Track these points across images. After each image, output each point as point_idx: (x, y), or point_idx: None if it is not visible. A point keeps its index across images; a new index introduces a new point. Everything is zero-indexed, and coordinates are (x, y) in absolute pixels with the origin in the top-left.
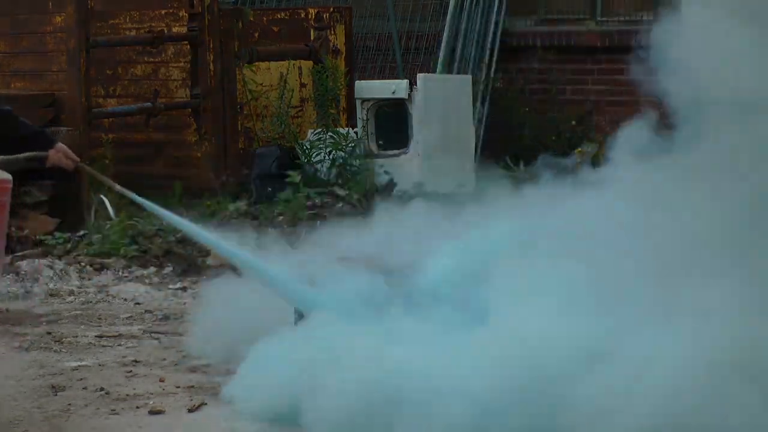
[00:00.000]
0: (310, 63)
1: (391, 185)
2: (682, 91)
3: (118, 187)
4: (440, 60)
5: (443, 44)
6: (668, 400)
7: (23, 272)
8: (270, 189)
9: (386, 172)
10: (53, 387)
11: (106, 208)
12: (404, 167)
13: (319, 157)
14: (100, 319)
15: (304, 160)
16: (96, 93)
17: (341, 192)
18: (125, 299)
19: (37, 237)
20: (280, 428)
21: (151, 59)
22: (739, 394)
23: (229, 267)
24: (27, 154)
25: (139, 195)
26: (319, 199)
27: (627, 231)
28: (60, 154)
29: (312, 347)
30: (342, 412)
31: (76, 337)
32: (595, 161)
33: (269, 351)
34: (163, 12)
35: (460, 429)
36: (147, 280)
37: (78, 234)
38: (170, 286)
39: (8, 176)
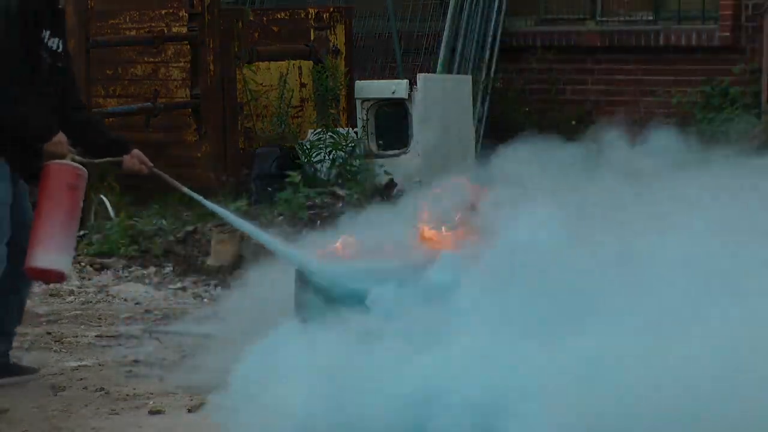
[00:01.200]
0: (310, 63)
1: (391, 185)
2: None
3: (186, 190)
4: (440, 60)
5: (443, 44)
6: None
7: None
8: (270, 189)
9: (386, 172)
10: (53, 387)
11: (106, 208)
12: (404, 167)
13: (319, 157)
14: (100, 319)
15: (304, 160)
16: (96, 93)
17: (341, 192)
18: (125, 299)
19: None
20: (279, 429)
21: (151, 59)
22: None
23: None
24: (103, 159)
25: (140, 195)
26: (319, 199)
27: None
28: (134, 159)
29: None
30: None
31: (76, 337)
32: None
33: None
34: (163, 12)
35: None
36: (147, 280)
37: (78, 234)
38: (170, 286)
39: (82, 167)
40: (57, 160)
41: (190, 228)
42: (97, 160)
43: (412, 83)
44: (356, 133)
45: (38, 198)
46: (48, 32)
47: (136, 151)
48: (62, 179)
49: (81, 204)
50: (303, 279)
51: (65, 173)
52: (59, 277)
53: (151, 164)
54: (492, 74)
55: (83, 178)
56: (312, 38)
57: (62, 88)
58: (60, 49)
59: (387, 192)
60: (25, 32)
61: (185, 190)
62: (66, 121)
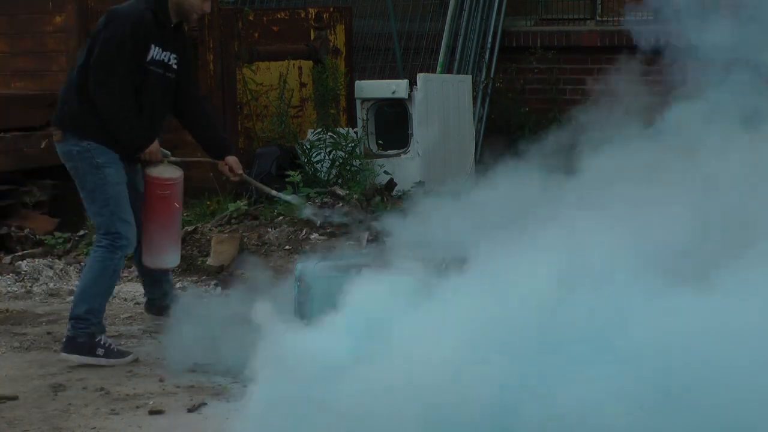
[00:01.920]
0: (310, 63)
1: (391, 185)
2: None
3: (275, 193)
4: (440, 60)
5: (443, 44)
6: None
7: (23, 272)
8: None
9: (386, 172)
10: (53, 387)
11: None
12: (404, 167)
13: (319, 157)
14: None
15: (304, 160)
16: None
17: (341, 192)
18: (125, 299)
19: (37, 237)
20: (280, 429)
21: None
22: None
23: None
24: (199, 158)
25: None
26: (319, 199)
27: None
28: (226, 166)
29: None
30: None
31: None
32: None
33: None
34: None
35: None
36: None
37: (78, 234)
38: None
39: (173, 174)
40: (152, 170)
41: (190, 228)
42: (191, 159)
43: (412, 83)
44: (356, 133)
45: (143, 204)
46: (158, 48)
47: (231, 158)
48: (154, 192)
49: (176, 204)
50: (303, 279)
51: (155, 186)
52: (171, 267)
53: (241, 173)
54: (492, 74)
55: (172, 185)
56: (312, 38)
57: (176, 90)
58: (170, 61)
59: (387, 192)
60: (134, 54)
61: (274, 193)
62: (182, 114)
